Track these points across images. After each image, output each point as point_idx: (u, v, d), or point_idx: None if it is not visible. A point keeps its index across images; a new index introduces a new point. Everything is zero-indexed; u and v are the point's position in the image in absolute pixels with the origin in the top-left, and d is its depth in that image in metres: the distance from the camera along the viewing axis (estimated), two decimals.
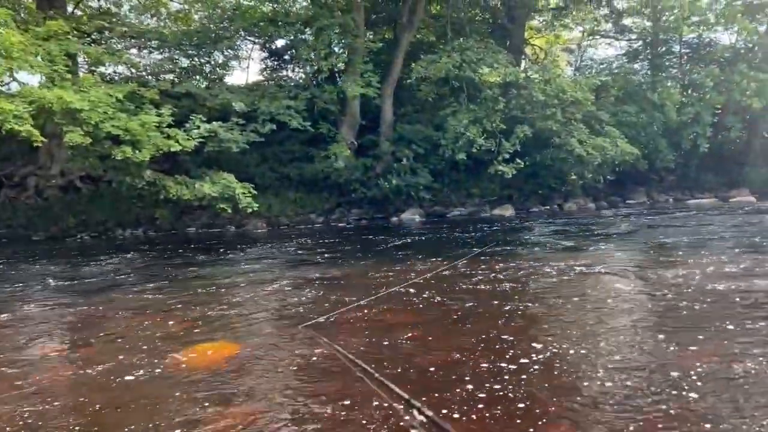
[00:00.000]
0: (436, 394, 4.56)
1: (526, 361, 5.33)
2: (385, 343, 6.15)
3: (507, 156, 21.79)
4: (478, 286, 8.89)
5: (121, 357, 5.99)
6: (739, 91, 25.53)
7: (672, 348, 5.52)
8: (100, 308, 8.55)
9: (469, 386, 4.74)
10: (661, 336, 5.92)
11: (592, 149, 22.39)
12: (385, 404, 4.43)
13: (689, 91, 28.91)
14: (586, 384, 4.74)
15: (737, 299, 7.30)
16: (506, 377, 4.91)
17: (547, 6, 29.76)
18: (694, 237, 13.65)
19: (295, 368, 5.51)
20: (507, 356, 5.48)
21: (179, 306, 8.49)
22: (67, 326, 7.75)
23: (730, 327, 6.12)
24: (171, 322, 7.48)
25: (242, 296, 9.06)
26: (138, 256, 14.48)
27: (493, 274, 9.73)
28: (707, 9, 28.93)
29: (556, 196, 25.57)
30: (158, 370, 5.52)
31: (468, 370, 5.13)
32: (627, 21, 32.08)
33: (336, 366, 5.49)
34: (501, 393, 4.57)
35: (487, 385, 4.75)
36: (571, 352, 5.54)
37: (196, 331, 7.03)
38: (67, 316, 8.24)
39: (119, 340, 6.78)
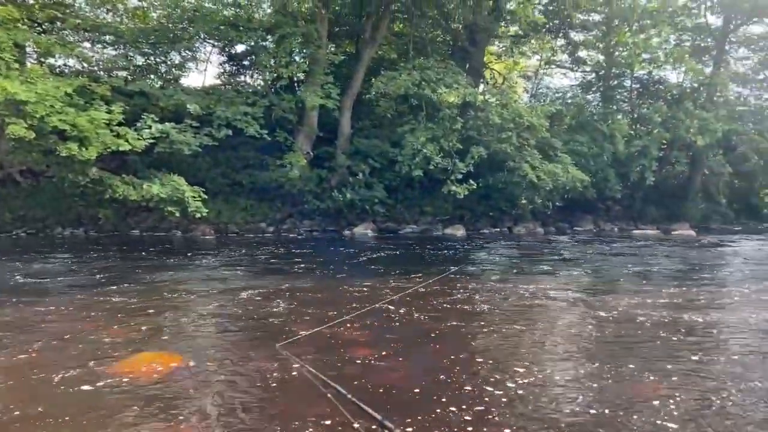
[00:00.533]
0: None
1: (486, 385, 5.28)
2: (338, 359, 6.00)
3: (460, 176, 21.97)
4: (438, 309, 8.82)
5: (56, 363, 5.65)
6: (684, 128, 26.56)
7: (611, 375, 5.57)
8: (36, 311, 8.08)
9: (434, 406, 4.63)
10: (601, 362, 5.96)
11: (544, 175, 22.81)
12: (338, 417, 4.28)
13: (638, 125, 29.93)
14: (539, 407, 4.71)
15: (675, 329, 7.45)
16: (468, 400, 4.83)
17: (507, 33, 30.38)
18: (637, 267, 13.98)
19: (241, 380, 5.29)
20: (473, 379, 5.42)
21: (119, 312, 8.11)
22: None
23: (666, 356, 6.23)
24: (111, 329, 7.12)
25: (186, 305, 8.74)
26: (78, 257, 13.88)
27: (452, 297, 9.69)
28: (658, 48, 30.14)
29: (507, 219, 25.95)
30: (98, 380, 5.21)
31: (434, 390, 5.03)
32: (582, 53, 33.08)
33: (296, 380, 5.30)
34: (469, 415, 4.49)
35: (460, 407, 4.66)
36: (521, 378, 5.53)
37: (136, 339, 6.70)
38: None
39: (56, 346, 6.39)
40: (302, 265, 13.14)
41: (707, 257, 16.91)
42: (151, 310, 8.16)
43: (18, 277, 10.95)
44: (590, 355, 6.33)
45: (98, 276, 11.16)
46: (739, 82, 33.24)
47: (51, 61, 20.42)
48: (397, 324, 7.61)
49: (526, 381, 5.36)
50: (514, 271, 13.21)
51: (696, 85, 29.85)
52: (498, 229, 25.09)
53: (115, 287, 9.98)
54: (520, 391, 5.10)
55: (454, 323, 7.67)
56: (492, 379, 5.40)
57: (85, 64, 20.60)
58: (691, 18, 32.37)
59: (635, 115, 30.44)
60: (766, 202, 33.47)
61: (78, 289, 9.82)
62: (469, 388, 5.17)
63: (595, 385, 5.30)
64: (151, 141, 17.32)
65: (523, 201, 24.34)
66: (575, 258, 15.89)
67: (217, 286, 10.27)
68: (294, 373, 5.47)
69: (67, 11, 20.53)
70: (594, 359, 6.11)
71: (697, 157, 30.22)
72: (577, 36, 31.74)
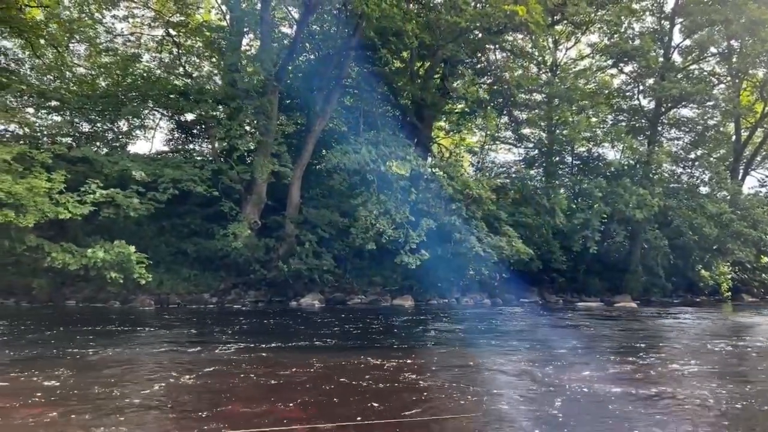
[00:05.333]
0: None
1: None
2: None
3: (414, 246, 22.13)
4: (379, 386, 8.65)
5: None
6: (623, 202, 27.67)
7: None
8: None
9: None
10: None
11: (489, 247, 23.19)
12: None
13: (579, 199, 31.05)
14: None
15: (614, 401, 7.50)
16: None
17: (454, 110, 31.52)
18: (580, 339, 14.15)
19: None
20: None
21: (44, 391, 7.63)
22: None
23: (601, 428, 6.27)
24: (35, 409, 6.68)
25: (116, 384, 8.28)
26: (6, 329, 13.10)
27: (400, 373, 9.53)
28: (596, 126, 31.81)
29: (455, 289, 26.08)
30: None
31: None
32: (525, 131, 34.57)
33: None
34: None
35: None
36: None
37: (60, 420, 6.29)
38: None
39: None
40: (244, 340, 12.73)
41: (649, 330, 17.29)
42: (77, 390, 7.70)
43: None
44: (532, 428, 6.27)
45: (25, 351, 10.52)
46: (671, 160, 35.15)
47: None
48: (337, 402, 7.38)
49: None
50: (461, 343, 13.15)
51: (633, 162, 31.37)
52: (446, 300, 25.14)
53: (42, 363, 9.40)
54: None
55: (399, 402, 7.51)
56: None
57: (27, 130, 20.16)
58: (626, 100, 34.48)
59: (576, 190, 31.61)
60: (702, 275, 34.75)
61: (1, 364, 9.22)
62: None
63: None
64: (94, 208, 16.89)
65: (471, 272, 24.58)
66: (522, 330, 15.99)
67: (153, 363, 9.82)
68: None
69: (12, 77, 20.27)
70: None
71: (636, 230, 31.39)
72: (520, 114, 33.20)
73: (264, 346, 12.01)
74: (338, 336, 13.81)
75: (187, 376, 8.79)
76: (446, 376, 9.31)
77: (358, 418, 6.73)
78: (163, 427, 6.43)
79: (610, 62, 33.08)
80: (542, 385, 8.67)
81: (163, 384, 8.34)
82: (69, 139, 20.84)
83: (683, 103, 32.77)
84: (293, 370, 9.35)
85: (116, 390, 7.92)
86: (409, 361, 10.48)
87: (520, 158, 36.13)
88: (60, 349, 10.82)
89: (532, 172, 33.49)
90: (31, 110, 21.51)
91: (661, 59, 31.65)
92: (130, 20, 25.47)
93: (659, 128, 34.61)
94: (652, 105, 33.48)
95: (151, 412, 7.02)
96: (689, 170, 37.11)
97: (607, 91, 33.13)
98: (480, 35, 25.34)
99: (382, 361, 10.34)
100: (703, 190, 34.85)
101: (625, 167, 31.14)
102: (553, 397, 7.89)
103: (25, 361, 9.59)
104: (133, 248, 17.40)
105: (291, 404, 7.28)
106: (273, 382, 8.56)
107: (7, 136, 20.32)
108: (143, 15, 25.61)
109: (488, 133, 34.11)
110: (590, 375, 9.32)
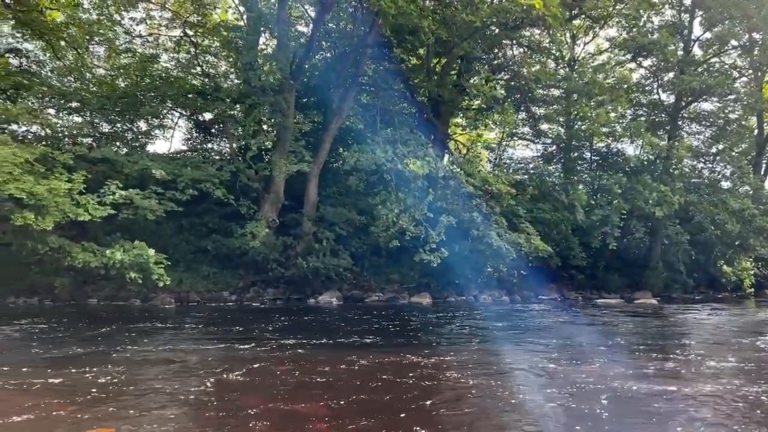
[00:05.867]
0: None
1: None
2: None
3: (434, 246, 22.05)
4: (414, 382, 8.64)
5: None
6: (642, 199, 27.35)
7: None
8: None
9: None
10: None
11: (508, 244, 23.04)
12: None
13: (598, 195, 30.75)
14: None
15: (634, 399, 7.42)
16: None
17: (470, 106, 31.36)
18: (601, 337, 14.02)
19: None
20: None
21: (68, 386, 7.77)
22: None
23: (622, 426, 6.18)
24: (57, 405, 6.79)
25: (138, 380, 8.38)
26: (30, 328, 13.30)
27: (422, 371, 9.52)
28: (615, 122, 31.44)
29: (473, 287, 25.97)
30: None
31: None
32: (543, 126, 34.28)
33: None
34: None
35: None
36: None
37: (83, 416, 6.38)
38: None
39: None
40: (261, 338, 12.79)
41: (672, 326, 17.10)
42: (101, 386, 7.81)
43: None
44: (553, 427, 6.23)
45: (49, 349, 10.68)
46: (692, 155, 34.67)
47: (14, 127, 20.22)
48: (357, 399, 7.38)
49: None
50: (487, 341, 13.10)
51: (653, 157, 30.98)
52: (464, 297, 25.06)
53: (65, 360, 9.55)
54: None
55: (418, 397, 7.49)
56: None
57: (49, 131, 20.42)
58: (645, 94, 34.03)
59: (595, 186, 31.31)
60: (724, 271, 34.28)
61: (27, 362, 9.38)
62: None
63: None
64: (114, 211, 17.07)
65: (489, 269, 24.46)
66: (541, 328, 15.88)
67: (174, 360, 9.93)
68: None
69: (34, 79, 20.54)
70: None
71: (656, 226, 31.04)
72: (538, 110, 32.95)
73: (293, 343, 12.05)
74: (365, 333, 13.79)
75: (225, 374, 8.87)
76: (480, 373, 9.27)
77: (402, 415, 6.74)
78: (214, 425, 6.50)
79: (628, 56, 32.69)
80: (562, 384, 8.61)
81: (202, 381, 8.43)
82: (89, 140, 21.08)
83: (704, 97, 32.32)
84: (332, 368, 9.40)
85: (157, 386, 8.01)
86: (444, 358, 10.52)
87: (538, 154, 35.89)
88: (79, 346, 10.96)
89: (550, 168, 33.22)
90: (52, 111, 21.82)
91: (680, 53, 31.22)
92: (148, 21, 25.69)
93: (679, 122, 34.16)
94: (672, 99, 33.05)
95: (198, 409, 7.08)
96: (710, 165, 36.62)
97: (626, 86, 32.69)
98: (497, 31, 25.17)
99: (419, 358, 10.37)
100: (725, 185, 34.37)
101: (645, 163, 30.77)
102: (587, 396, 7.84)
103: (43, 359, 9.71)
104: (152, 251, 17.52)
105: (342, 402, 7.28)
106: (318, 379, 8.58)
107: (29, 137, 20.64)
108: (161, 16, 25.82)
109: (506, 129, 33.90)
110: (620, 373, 9.27)
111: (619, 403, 7.38)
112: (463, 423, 6.66)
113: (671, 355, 11.29)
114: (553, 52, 29.76)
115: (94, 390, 7.59)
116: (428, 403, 7.42)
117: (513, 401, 7.62)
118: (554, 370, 9.62)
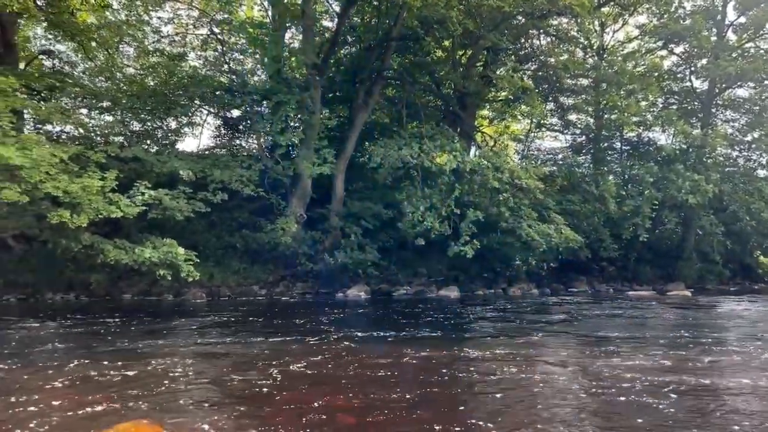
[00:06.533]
0: None
1: None
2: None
3: (467, 239, 22.05)
4: (434, 377, 8.66)
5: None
6: (675, 188, 26.81)
7: None
8: (18, 378, 7.93)
9: None
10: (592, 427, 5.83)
11: (537, 236, 22.83)
12: None
13: (629, 186, 30.23)
14: None
15: (672, 395, 7.31)
16: None
17: (497, 97, 31.08)
18: (633, 330, 13.84)
19: None
20: None
21: (104, 379, 7.97)
22: None
23: (658, 420, 6.10)
24: (94, 397, 6.99)
25: (172, 372, 8.56)
26: (66, 323, 13.69)
27: (454, 364, 9.54)
28: (646, 110, 30.83)
29: (501, 280, 25.86)
30: None
31: None
32: (572, 116, 33.79)
33: None
34: None
35: None
36: None
37: (119, 408, 6.56)
38: None
39: (36, 416, 6.25)
40: (293, 331, 12.95)
41: (708, 318, 16.78)
42: (136, 378, 8.02)
43: (4, 343, 10.75)
44: (586, 421, 6.17)
45: (86, 342, 10.99)
46: (727, 143, 33.80)
47: (48, 127, 20.72)
48: (386, 392, 7.42)
49: None
50: (511, 333, 13.02)
51: (685, 146, 30.32)
52: (492, 290, 24.94)
53: (101, 353, 9.82)
54: None
55: (450, 390, 7.50)
56: None
57: (82, 131, 20.87)
58: (677, 82, 33.29)
59: (626, 176, 30.81)
60: (761, 262, 33.46)
61: (64, 355, 9.67)
62: None
63: None
64: (144, 207, 17.40)
65: (518, 262, 24.31)
66: (572, 320, 15.72)
67: (205, 354, 10.11)
68: None
69: (66, 79, 20.99)
70: (591, 426, 5.96)
71: (689, 216, 30.43)
72: (566, 100, 32.51)
73: (324, 337, 12.15)
74: (395, 327, 13.79)
75: (260, 367, 9.02)
76: (513, 366, 9.25)
77: (433, 408, 6.77)
78: (205, 408, 6.62)
79: (659, 43, 31.99)
80: (596, 378, 8.53)
81: (237, 374, 8.56)
82: (121, 138, 21.46)
83: (738, 83, 31.48)
84: (363, 361, 9.49)
85: (193, 379, 8.17)
86: (476, 352, 10.54)
87: (567, 145, 35.42)
88: (114, 340, 11.23)
89: (579, 158, 32.76)
90: (84, 111, 22.27)
91: (714, 38, 30.45)
92: (175, 20, 26.03)
93: (713, 110, 33.32)
94: (705, 86, 32.26)
95: (233, 401, 7.20)
96: (746, 153, 35.62)
97: (657, 74, 32.00)
98: (523, 21, 24.86)
99: (450, 351, 10.42)
100: (761, 173, 33.47)
101: (678, 152, 30.13)
102: (602, 389, 7.76)
103: (80, 352, 9.97)
104: (181, 250, 17.79)
105: (372, 395, 7.35)
106: (350, 373, 8.66)
107: (63, 137, 21.12)
108: (188, 14, 26.12)
109: (533, 120, 33.50)
110: (641, 367, 9.11)
111: (659, 397, 7.27)
112: (497, 415, 6.65)
113: (709, 348, 11.08)
114: (582, 40, 29.30)
115: (132, 383, 7.80)
116: (461, 396, 7.43)
117: (547, 394, 7.58)
118: (589, 364, 9.52)
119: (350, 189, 24.89)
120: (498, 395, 7.54)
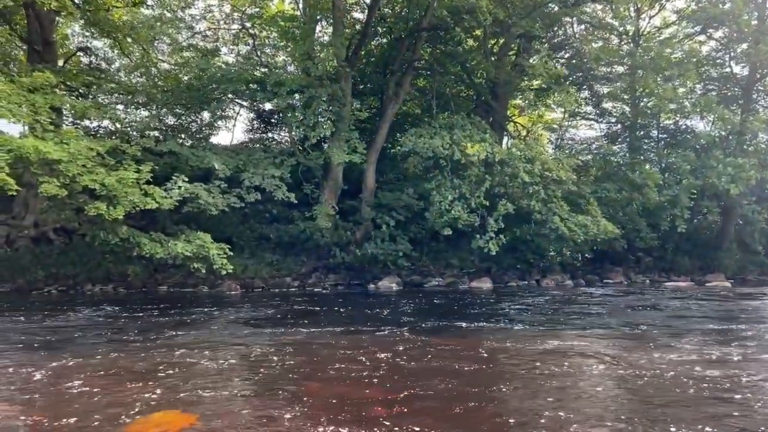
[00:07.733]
0: None
1: None
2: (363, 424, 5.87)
3: (493, 234, 21.81)
4: (464, 368, 8.63)
5: (71, 422, 5.63)
6: (716, 176, 26.04)
7: None
8: (58, 368, 8.17)
9: None
10: (633, 422, 5.72)
11: (574, 226, 22.44)
12: None
13: (666, 174, 29.52)
14: None
15: (710, 387, 7.14)
16: None
17: (530, 86, 30.65)
18: (671, 321, 13.55)
19: None
20: None
21: (141, 369, 8.14)
22: (20, 385, 7.32)
23: (701, 416, 5.95)
24: (130, 386, 7.15)
25: (207, 363, 8.70)
26: (105, 314, 14.03)
27: (479, 355, 9.49)
28: (684, 97, 30.04)
29: (535, 271, 25.58)
30: None
31: None
32: (607, 105, 33.14)
33: None
34: None
35: None
36: None
37: (154, 397, 6.69)
38: (22, 374, 7.84)
39: (74, 403, 6.42)
40: (327, 322, 13.05)
41: (747, 310, 16.31)
42: (171, 368, 8.16)
43: (46, 333, 11.08)
44: (626, 416, 6.08)
45: (123, 333, 11.25)
46: None
47: (86, 123, 21.21)
48: (418, 384, 7.41)
49: None
50: (546, 326, 12.87)
51: (725, 133, 29.47)
52: (526, 282, 24.70)
53: (138, 344, 10.04)
54: None
55: (482, 384, 7.46)
56: None
57: (118, 125, 21.32)
58: (716, 68, 32.35)
59: (663, 165, 30.11)
60: None
61: (102, 345, 9.90)
62: None
63: None
64: (180, 200, 17.67)
65: (552, 253, 23.98)
66: (608, 312, 15.46)
67: (239, 344, 10.24)
68: None
69: (103, 76, 21.44)
70: (631, 421, 5.86)
71: (729, 205, 29.59)
72: (601, 88, 31.90)
73: (358, 327, 12.25)
74: (427, 318, 13.80)
75: (292, 357, 9.11)
76: (548, 359, 9.19)
77: (462, 402, 6.76)
78: (240, 399, 6.70)
79: (698, 29, 31.08)
80: (634, 370, 8.39)
81: (271, 364, 8.66)
82: (156, 133, 21.85)
83: None
84: (396, 352, 9.49)
85: (226, 370, 8.30)
86: (509, 344, 10.49)
87: (602, 133, 34.76)
88: (151, 331, 11.47)
89: (614, 147, 32.13)
90: (120, 107, 22.74)
91: (754, 22, 29.47)
92: (208, 15, 26.34)
93: (754, 95, 32.24)
94: (746, 71, 31.25)
95: (266, 392, 7.30)
96: None
97: (695, 59, 31.13)
98: (556, 8, 24.45)
99: (483, 343, 10.36)
100: None
101: (717, 139, 29.28)
102: (640, 382, 7.62)
103: (117, 343, 10.20)
104: (214, 245, 18.00)
105: (402, 387, 7.36)
106: (383, 364, 8.68)
107: (100, 132, 21.61)
108: (220, 10, 26.42)
109: (567, 109, 32.95)
110: (679, 360, 8.92)
111: (700, 391, 7.11)
112: (529, 410, 6.60)
113: (752, 340, 10.80)
114: (617, 27, 28.66)
115: (168, 373, 7.97)
116: (497, 388, 7.39)
117: (584, 388, 7.49)
118: (632, 357, 9.30)
119: (381, 180, 24.90)
120: (526, 388, 7.48)
